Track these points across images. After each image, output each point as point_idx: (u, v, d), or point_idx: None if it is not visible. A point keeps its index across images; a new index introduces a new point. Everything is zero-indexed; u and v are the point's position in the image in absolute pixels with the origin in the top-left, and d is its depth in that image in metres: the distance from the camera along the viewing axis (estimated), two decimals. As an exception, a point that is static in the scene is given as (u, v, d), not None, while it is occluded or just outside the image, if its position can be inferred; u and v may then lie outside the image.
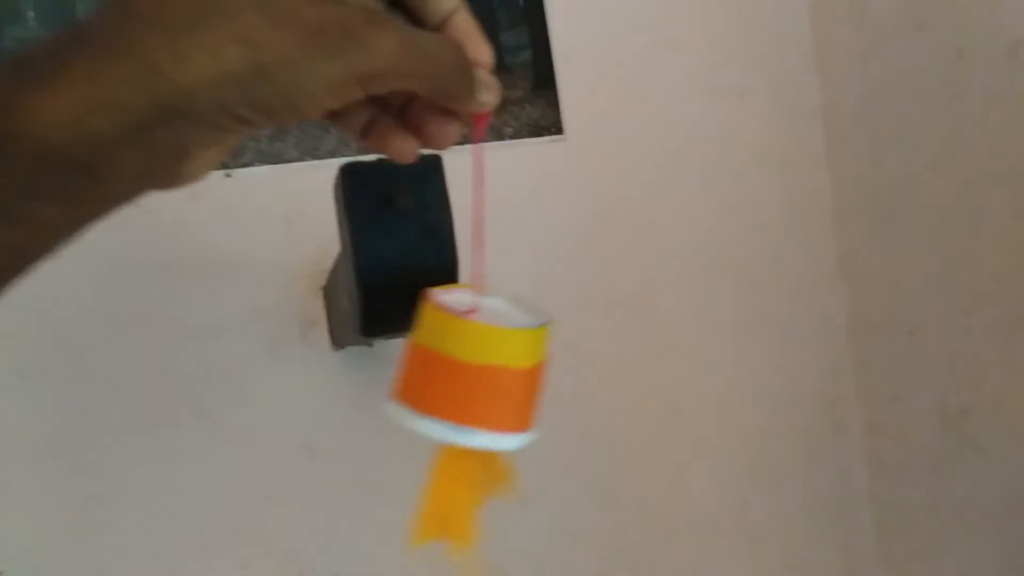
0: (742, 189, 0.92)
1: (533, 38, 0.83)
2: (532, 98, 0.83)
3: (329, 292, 0.69)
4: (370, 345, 0.69)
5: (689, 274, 0.89)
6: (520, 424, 0.41)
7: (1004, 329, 0.75)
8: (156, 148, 0.31)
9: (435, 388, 0.40)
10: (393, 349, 0.74)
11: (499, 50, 0.82)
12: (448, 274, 0.43)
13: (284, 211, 0.77)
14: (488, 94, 0.38)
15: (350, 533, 0.76)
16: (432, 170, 0.40)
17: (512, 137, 0.83)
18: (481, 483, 0.44)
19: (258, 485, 0.75)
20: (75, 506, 0.72)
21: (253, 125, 0.32)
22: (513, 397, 0.41)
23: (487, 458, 0.44)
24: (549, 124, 0.84)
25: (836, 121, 0.92)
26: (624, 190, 0.87)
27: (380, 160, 0.44)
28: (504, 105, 0.82)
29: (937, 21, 0.78)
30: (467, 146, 0.77)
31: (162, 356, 0.74)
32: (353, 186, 0.42)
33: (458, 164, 0.49)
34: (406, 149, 0.38)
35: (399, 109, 0.39)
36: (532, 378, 0.42)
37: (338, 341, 0.69)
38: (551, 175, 0.85)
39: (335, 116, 0.36)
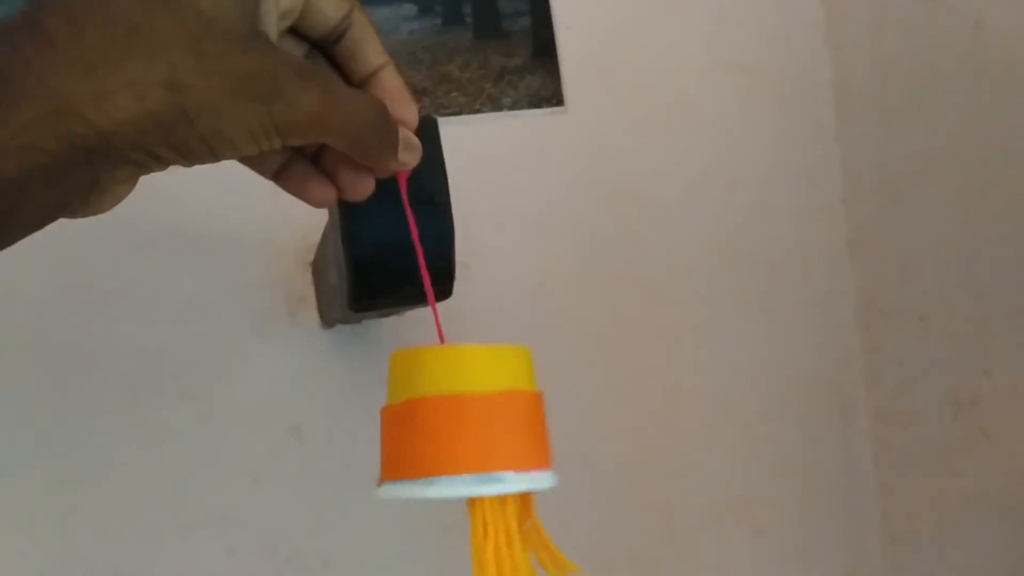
0: (748, 166, 0.89)
1: (533, 3, 0.79)
2: (532, 67, 0.80)
3: (317, 267, 0.65)
4: (359, 322, 0.66)
5: (692, 253, 0.86)
6: (540, 457, 0.38)
7: (1018, 317, 0.72)
8: (70, 187, 0.31)
9: (437, 441, 0.36)
10: (385, 328, 0.71)
11: (497, 15, 0.78)
12: (443, 242, 0.40)
13: (271, 183, 0.73)
14: (409, 154, 0.38)
15: (339, 517, 0.74)
16: (427, 132, 0.37)
17: (511, 108, 0.79)
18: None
19: (243, 467, 0.72)
20: (52, 488, 0.69)
21: (169, 163, 0.32)
22: (529, 424, 0.38)
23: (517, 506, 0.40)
24: (549, 95, 0.80)
25: (847, 97, 0.89)
26: (626, 165, 0.84)
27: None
28: (502, 74, 0.79)
29: (956, -9, 0.75)
30: (462, 116, 0.73)
31: (143, 332, 0.71)
32: (341, 148, 0.39)
33: (448, 135, 0.46)
34: (324, 196, 0.38)
35: (314, 154, 0.39)
36: (536, 403, 0.39)
37: (327, 319, 0.66)
38: (551, 148, 0.82)
39: (249, 157, 0.36)
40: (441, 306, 0.41)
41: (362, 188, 0.38)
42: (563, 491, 0.80)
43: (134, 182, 0.35)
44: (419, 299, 0.40)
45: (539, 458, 0.36)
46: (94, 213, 0.35)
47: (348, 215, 0.40)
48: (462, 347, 0.36)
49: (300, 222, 0.73)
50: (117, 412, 0.70)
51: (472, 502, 0.37)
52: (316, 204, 0.39)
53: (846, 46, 0.88)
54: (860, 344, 0.89)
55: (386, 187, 0.38)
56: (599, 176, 0.84)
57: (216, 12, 0.30)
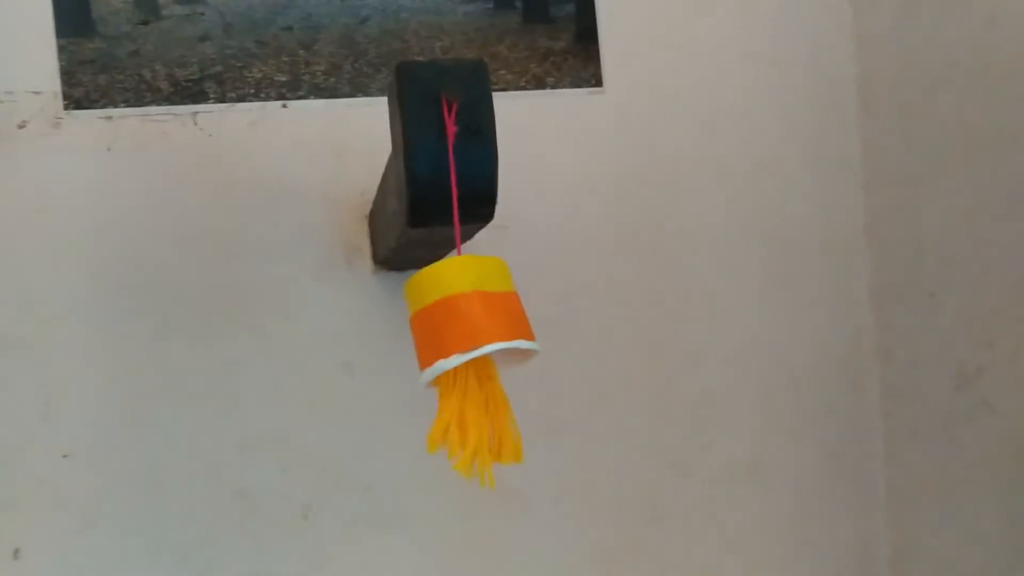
0: (774, 151, 0.94)
1: (577, -10, 0.87)
2: (574, 50, 0.87)
3: (375, 214, 0.74)
4: (403, 270, 0.73)
5: (717, 229, 0.92)
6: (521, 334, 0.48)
7: (1018, 291, 0.77)
8: None
9: (466, 325, 0.46)
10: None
11: (545, 2, 0.86)
12: (487, 167, 0.48)
13: (335, 142, 0.82)
14: None
15: (382, 445, 0.81)
16: (478, 73, 0.45)
17: (553, 87, 0.87)
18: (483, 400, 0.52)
19: (299, 396, 0.81)
20: (133, 402, 0.78)
21: None
22: (515, 314, 0.49)
23: (482, 370, 0.51)
24: (589, 76, 0.88)
25: (869, 90, 0.94)
26: (658, 143, 0.91)
27: (432, 60, 0.48)
28: (547, 55, 0.87)
29: (970, -12, 0.80)
30: (509, 92, 0.81)
31: (217, 270, 0.79)
32: (407, 83, 0.47)
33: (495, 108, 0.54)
34: None
35: None
36: (517, 301, 0.49)
37: (380, 256, 0.73)
38: (589, 125, 0.89)
39: None
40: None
41: None
42: (585, 438, 0.87)
43: None
44: (465, 219, 0.48)
45: (530, 332, 0.50)
46: None
47: (410, 137, 0.47)
48: (446, 261, 0.47)
49: (360, 179, 0.81)
50: (190, 339, 0.79)
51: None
52: None
53: (870, 42, 0.94)
54: (873, 321, 0.94)
55: (442, 118, 0.45)
56: (632, 153, 0.90)
57: None
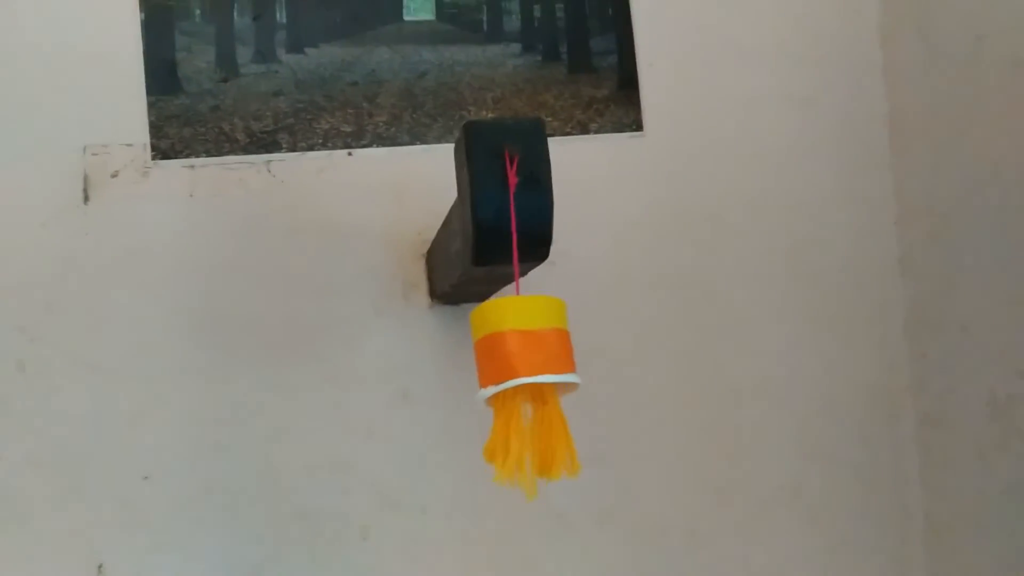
0: (810, 189, 0.98)
1: (620, 43, 0.93)
2: (616, 97, 0.93)
3: (433, 252, 0.79)
4: (459, 304, 0.78)
5: (756, 265, 0.96)
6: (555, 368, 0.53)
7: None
8: None
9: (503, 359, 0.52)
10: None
11: (588, 53, 0.92)
12: (544, 213, 0.53)
13: (395, 187, 0.88)
14: None
15: (437, 470, 0.86)
16: (536, 128, 0.50)
17: (596, 132, 0.92)
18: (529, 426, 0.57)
19: (360, 422, 0.86)
20: (208, 428, 0.84)
21: None
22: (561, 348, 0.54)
23: (536, 395, 0.56)
24: (630, 122, 0.93)
25: (900, 129, 0.98)
26: (697, 184, 0.96)
27: (495, 119, 0.54)
28: (591, 103, 0.92)
29: (995, 35, 0.84)
30: (555, 137, 0.88)
31: (287, 305, 0.86)
32: (473, 139, 0.53)
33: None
34: None
35: None
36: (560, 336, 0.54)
37: (439, 292, 0.79)
38: (631, 168, 0.94)
39: None
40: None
41: None
42: (629, 463, 0.91)
43: None
44: (523, 258, 0.53)
45: (566, 365, 0.56)
46: None
47: (476, 186, 0.53)
48: (509, 298, 0.52)
49: (417, 221, 0.87)
50: (262, 368, 0.85)
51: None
52: None
53: (900, 83, 0.98)
54: (908, 352, 0.97)
55: (504, 170, 0.51)
56: (672, 194, 0.95)
57: None
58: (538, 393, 0.58)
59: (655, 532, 0.92)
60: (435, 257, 0.79)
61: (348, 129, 0.87)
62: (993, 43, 0.85)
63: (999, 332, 0.86)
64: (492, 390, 0.55)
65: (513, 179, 0.51)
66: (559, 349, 0.56)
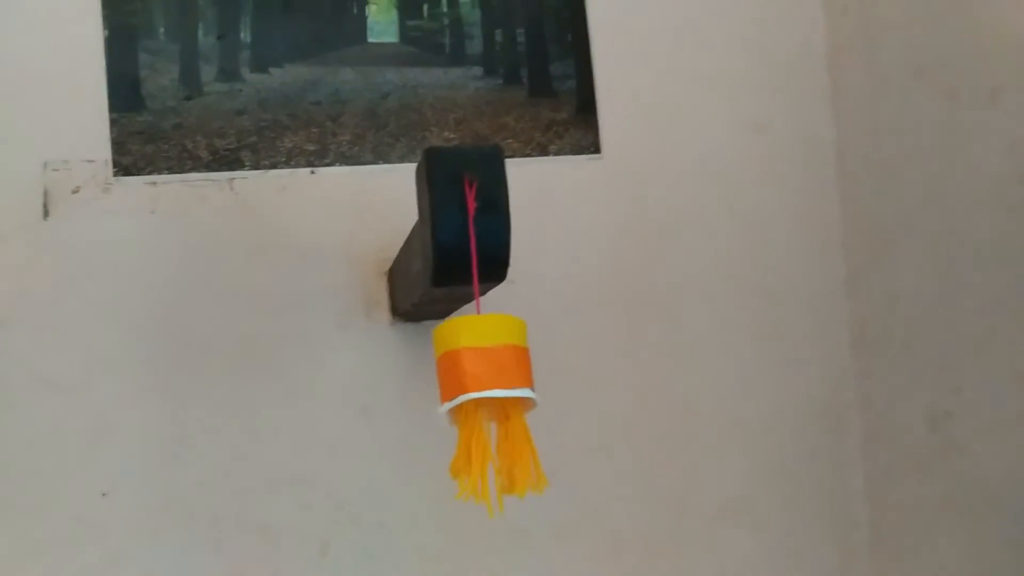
0: (760, 212, 1.01)
1: (578, 68, 0.96)
2: (575, 121, 0.96)
3: (394, 271, 0.81)
4: (420, 321, 0.80)
5: (708, 285, 0.99)
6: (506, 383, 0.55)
7: (983, 340, 0.84)
8: None
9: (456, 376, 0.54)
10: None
11: (548, 78, 0.95)
12: (501, 236, 0.55)
13: (357, 206, 0.90)
14: None
15: (396, 485, 0.87)
16: (494, 155, 0.53)
17: (556, 154, 0.95)
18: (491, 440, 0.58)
19: (321, 438, 0.87)
20: (167, 444, 0.84)
21: None
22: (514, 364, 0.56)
23: (498, 411, 0.58)
24: (588, 144, 0.96)
25: (847, 154, 1.02)
26: (652, 205, 0.98)
27: (456, 146, 0.56)
28: (550, 125, 0.95)
29: (932, 69, 0.89)
30: (515, 159, 0.92)
31: (249, 322, 0.87)
32: (434, 164, 0.55)
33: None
34: None
35: None
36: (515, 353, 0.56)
37: (401, 310, 0.81)
38: (588, 188, 0.96)
39: None
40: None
41: None
42: (586, 476, 0.93)
43: None
44: (482, 279, 0.55)
45: (518, 380, 0.58)
46: None
47: (436, 210, 0.55)
48: (464, 316, 0.54)
49: (379, 239, 0.89)
50: (220, 385, 0.86)
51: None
52: None
53: (846, 111, 1.02)
54: (853, 368, 1.01)
55: (463, 195, 0.53)
56: (628, 214, 0.98)
57: None
58: (501, 409, 0.60)
59: (612, 545, 0.94)
60: (397, 275, 0.80)
61: (312, 148, 0.88)
62: (931, 76, 0.90)
63: (938, 351, 0.90)
64: (447, 406, 0.57)
65: (472, 204, 0.53)
66: (513, 365, 0.58)
